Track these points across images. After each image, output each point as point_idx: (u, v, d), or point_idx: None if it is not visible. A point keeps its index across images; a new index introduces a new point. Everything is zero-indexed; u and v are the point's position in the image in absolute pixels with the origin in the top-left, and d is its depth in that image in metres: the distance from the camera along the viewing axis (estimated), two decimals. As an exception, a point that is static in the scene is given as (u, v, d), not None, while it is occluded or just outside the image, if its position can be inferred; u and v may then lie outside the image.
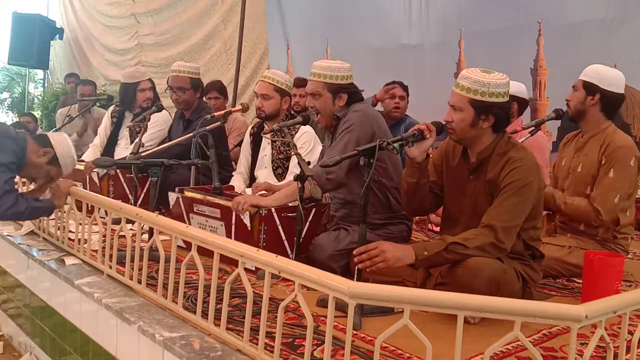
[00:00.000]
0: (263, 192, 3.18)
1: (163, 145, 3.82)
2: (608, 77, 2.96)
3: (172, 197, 3.38)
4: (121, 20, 9.96)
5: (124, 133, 4.64)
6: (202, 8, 8.56)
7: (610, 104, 2.98)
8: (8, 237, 3.46)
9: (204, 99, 5.11)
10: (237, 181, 3.85)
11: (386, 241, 2.36)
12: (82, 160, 4.55)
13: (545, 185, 2.94)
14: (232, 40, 7.96)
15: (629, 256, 3.22)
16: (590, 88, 2.96)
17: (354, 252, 2.25)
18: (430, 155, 2.59)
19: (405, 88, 4.81)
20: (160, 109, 3.96)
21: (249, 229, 2.87)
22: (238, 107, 4.17)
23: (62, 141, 3.05)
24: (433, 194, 2.64)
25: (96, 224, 2.85)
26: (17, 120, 9.73)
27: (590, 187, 2.96)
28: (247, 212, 2.87)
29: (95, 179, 4.05)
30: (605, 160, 2.90)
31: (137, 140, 3.55)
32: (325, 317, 1.70)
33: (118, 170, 4.05)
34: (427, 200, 2.63)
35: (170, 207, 3.41)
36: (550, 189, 3.05)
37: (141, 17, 9.54)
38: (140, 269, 2.52)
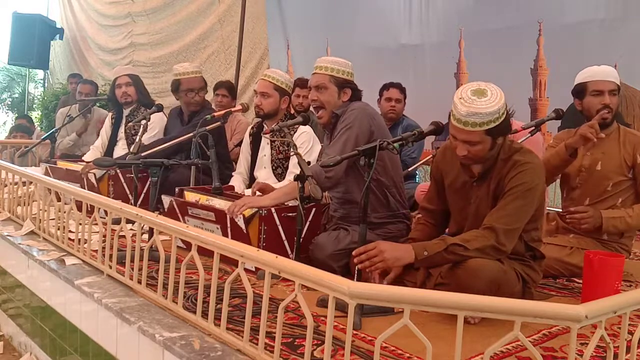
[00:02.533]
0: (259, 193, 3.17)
1: (164, 145, 3.83)
2: (617, 75, 2.99)
3: (166, 200, 3.37)
4: (117, 20, 9.95)
5: (122, 134, 4.66)
6: (198, 7, 8.55)
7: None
8: (8, 237, 3.45)
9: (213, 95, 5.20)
10: (237, 181, 3.85)
11: (385, 241, 2.35)
12: (83, 161, 4.56)
13: (600, 218, 2.89)
14: (230, 40, 7.97)
15: (629, 256, 3.22)
16: (619, 90, 2.99)
17: (353, 252, 2.24)
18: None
19: (402, 90, 4.80)
20: (160, 108, 3.96)
21: (245, 231, 2.87)
22: (238, 107, 4.18)
23: None
24: (443, 212, 2.66)
25: (96, 224, 2.85)
26: (15, 121, 9.70)
27: (612, 184, 2.96)
28: (241, 216, 2.86)
29: (93, 180, 4.04)
30: None
31: (137, 140, 3.55)
32: (325, 317, 1.69)
33: (118, 170, 4.05)
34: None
35: (165, 210, 3.40)
36: (606, 214, 2.91)
37: (138, 16, 9.53)
38: (140, 269, 2.51)
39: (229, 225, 2.96)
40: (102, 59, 10.29)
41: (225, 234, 2.99)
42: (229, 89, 5.42)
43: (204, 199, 3.31)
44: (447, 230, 2.67)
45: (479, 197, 2.47)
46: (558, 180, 3.22)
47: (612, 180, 2.97)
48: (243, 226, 2.87)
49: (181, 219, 3.25)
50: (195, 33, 8.57)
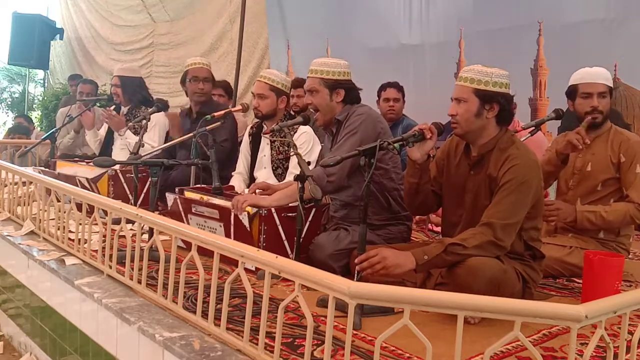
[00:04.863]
0: (259, 191, 3.17)
1: (165, 145, 3.84)
2: (608, 77, 2.99)
3: (170, 197, 3.38)
4: (136, 20, 9.93)
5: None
6: (214, 8, 8.61)
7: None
8: (8, 237, 3.45)
9: None
10: (237, 181, 3.84)
11: (387, 248, 2.35)
12: (82, 160, 4.56)
13: (574, 212, 2.92)
14: (237, 41, 7.99)
15: (629, 256, 3.22)
16: (611, 92, 3.01)
17: (356, 260, 2.24)
18: (432, 155, 2.60)
19: (400, 89, 4.79)
20: (160, 108, 3.96)
21: (248, 229, 2.87)
22: (238, 107, 4.17)
23: None
24: (434, 193, 2.65)
25: (96, 224, 2.85)
26: (14, 120, 9.71)
27: (601, 184, 2.97)
28: (246, 213, 2.86)
29: (86, 184, 4.03)
30: (625, 158, 2.93)
31: (137, 140, 3.54)
32: (325, 317, 1.70)
33: (118, 171, 4.05)
34: (429, 200, 2.66)
35: (169, 208, 3.41)
36: (580, 207, 2.96)
37: (158, 16, 9.53)
38: (140, 269, 2.51)
39: (232, 222, 2.96)
40: (114, 58, 10.21)
41: (227, 232, 2.99)
42: (225, 89, 5.44)
43: (205, 199, 3.31)
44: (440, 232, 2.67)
45: (476, 187, 2.48)
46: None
47: (600, 180, 2.98)
48: (247, 224, 2.87)
49: (184, 216, 3.25)
50: (212, 34, 8.64)
